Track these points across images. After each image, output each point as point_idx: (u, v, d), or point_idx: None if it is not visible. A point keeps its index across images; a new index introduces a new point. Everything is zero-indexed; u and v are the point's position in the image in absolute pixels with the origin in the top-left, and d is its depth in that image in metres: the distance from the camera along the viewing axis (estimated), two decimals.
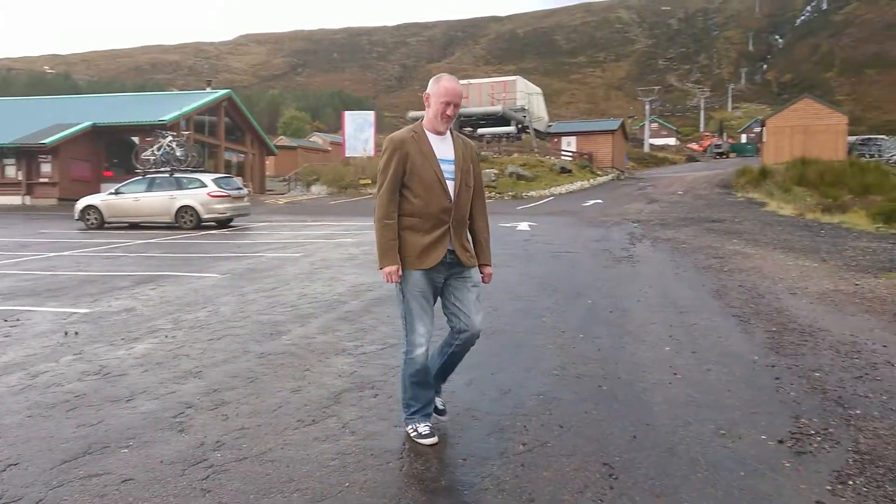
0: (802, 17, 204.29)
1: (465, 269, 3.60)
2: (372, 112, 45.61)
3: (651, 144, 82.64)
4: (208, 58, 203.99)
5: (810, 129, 41.82)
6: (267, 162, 47.14)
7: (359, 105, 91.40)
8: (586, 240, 13.88)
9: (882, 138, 53.27)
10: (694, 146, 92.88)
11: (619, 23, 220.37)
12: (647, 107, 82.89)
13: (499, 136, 45.92)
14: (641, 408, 4.09)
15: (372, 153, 40.31)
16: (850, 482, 3.09)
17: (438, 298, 3.63)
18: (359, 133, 41.48)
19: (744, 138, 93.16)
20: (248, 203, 20.21)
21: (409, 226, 3.46)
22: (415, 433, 3.58)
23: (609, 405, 4.14)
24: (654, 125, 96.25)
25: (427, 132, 3.51)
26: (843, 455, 3.38)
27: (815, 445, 3.50)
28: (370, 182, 35.82)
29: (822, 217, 19.43)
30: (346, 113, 44.05)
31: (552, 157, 41.29)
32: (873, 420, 3.84)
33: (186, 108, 32.94)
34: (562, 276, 9.08)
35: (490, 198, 30.28)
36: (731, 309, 6.94)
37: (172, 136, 22.35)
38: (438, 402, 3.85)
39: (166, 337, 5.92)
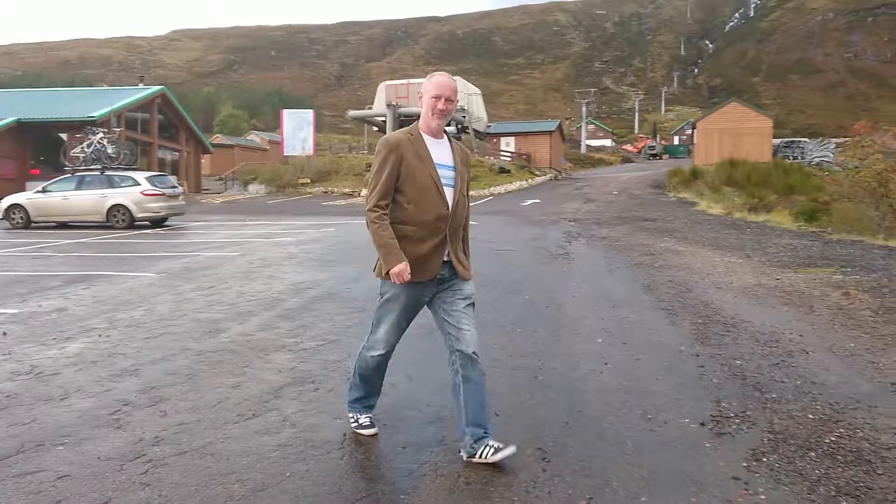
0: (731, 24, 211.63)
1: (459, 282, 3.38)
2: (311, 111, 45.19)
3: (588, 145, 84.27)
4: (140, 53, 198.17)
5: (738, 132, 43.45)
6: (203, 160, 46.19)
7: (298, 104, 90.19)
8: (525, 238, 14.14)
9: (805, 141, 55.70)
10: (629, 147, 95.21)
11: (557, 25, 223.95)
12: (584, 108, 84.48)
13: None
14: (574, 396, 4.26)
15: (311, 152, 39.99)
16: (764, 459, 3.31)
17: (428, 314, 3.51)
18: (297, 132, 41.06)
19: (676, 140, 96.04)
20: (183, 202, 19.81)
21: (401, 234, 3.24)
22: (354, 423, 3.62)
23: (544, 394, 4.30)
24: (591, 127, 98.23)
25: (423, 135, 3.32)
26: (759, 435, 3.62)
27: (734, 427, 3.73)
28: (309, 181, 35.53)
29: (749, 216, 20.24)
30: (285, 111, 43.55)
31: (491, 158, 41.76)
32: (787, 403, 4.10)
33: (118, 105, 32.00)
34: (501, 273, 9.26)
35: None
36: (660, 303, 7.23)
37: (103, 132, 21.68)
38: (493, 442, 3.24)
39: (100, 336, 5.82)
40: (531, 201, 27.29)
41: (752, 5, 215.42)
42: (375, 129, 49.94)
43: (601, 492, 2.97)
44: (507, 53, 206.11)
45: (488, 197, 31.16)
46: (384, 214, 3.24)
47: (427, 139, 3.32)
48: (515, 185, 36.57)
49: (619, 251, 11.72)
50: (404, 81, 50.82)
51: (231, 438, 3.56)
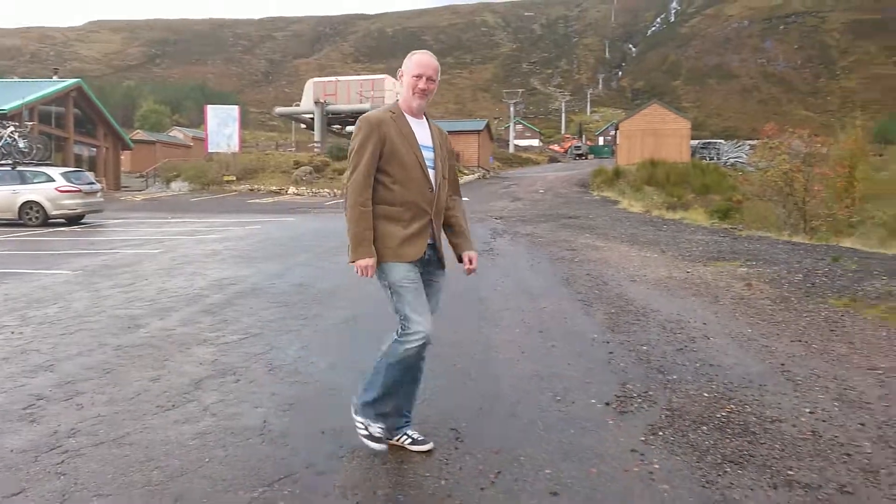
0: (653, 29, 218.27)
1: (435, 270, 3.33)
2: (236, 107, 44.33)
3: (516, 145, 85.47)
4: (54, 44, 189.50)
5: (659, 133, 44.98)
6: (122, 157, 44.68)
7: (222, 99, 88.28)
8: None
9: (721, 142, 58.13)
10: (556, 147, 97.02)
11: (485, 26, 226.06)
12: (512, 109, 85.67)
13: None
14: (490, 382, 4.44)
15: (237, 149, 39.25)
16: (661, 433, 3.56)
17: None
18: (222, 128, 40.19)
19: (601, 141, 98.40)
20: (101, 199, 19.20)
21: (386, 215, 3.11)
22: (365, 433, 3.23)
23: (461, 381, 4.47)
24: (519, 127, 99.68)
25: (405, 114, 3.21)
26: (658, 412, 3.88)
27: (636, 406, 3.99)
28: (235, 179, 34.89)
29: (667, 214, 21.05)
30: (209, 107, 42.56)
31: None
32: (686, 383, 4.39)
33: (30, 98, 30.66)
34: None
35: None
36: (578, 295, 7.53)
37: (14, 126, 20.79)
38: (412, 432, 3.37)
39: (13, 333, 5.68)
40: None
41: (673, 11, 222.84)
42: (303, 126, 49.52)
43: (509, 466, 3.15)
44: (437, 53, 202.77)
45: None
46: (367, 201, 3.07)
47: (409, 118, 3.20)
48: None
49: (542, 247, 12.06)
50: (333, 79, 50.52)
51: (150, 429, 3.59)
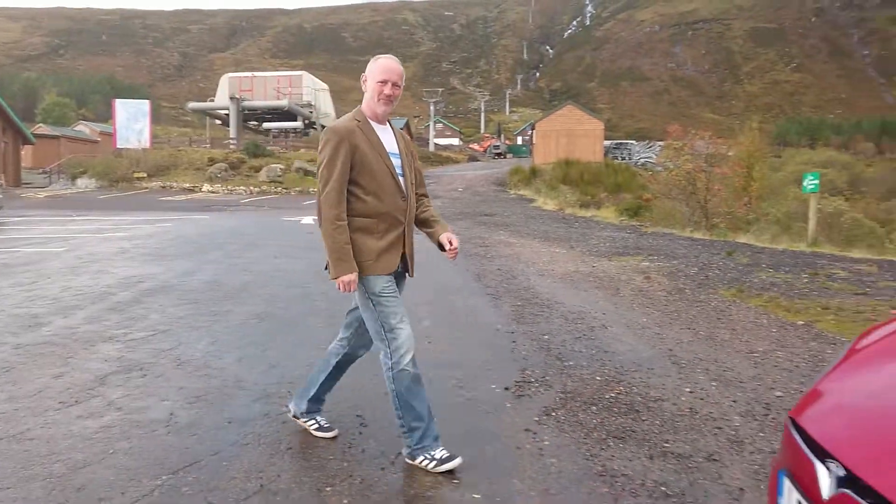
0: (569, 31, 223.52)
1: (400, 280, 3.28)
2: (147, 101, 42.84)
3: (436, 144, 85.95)
4: None
5: (573, 134, 46.23)
6: (23, 152, 42.46)
7: (132, 93, 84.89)
8: None
9: (632, 143, 60.30)
10: (475, 147, 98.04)
11: (406, 24, 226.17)
12: (432, 107, 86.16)
13: (285, 131, 45.43)
14: None
15: (147, 145, 38.00)
16: (553, 414, 3.81)
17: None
18: (132, 123, 38.81)
19: (519, 140, 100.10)
20: (0, 196, 18.29)
21: (361, 227, 3.03)
22: (433, 463, 3.04)
23: (367, 371, 4.59)
24: (439, 125, 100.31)
25: (370, 121, 3.12)
26: (553, 395, 4.13)
27: (533, 390, 4.23)
28: (146, 176, 33.79)
29: (579, 211, 21.75)
30: (118, 101, 40.99)
31: None
32: (581, 369, 4.68)
33: None
34: None
35: (276, 193, 30.01)
36: (487, 289, 7.79)
37: None
38: (322, 419, 3.49)
39: None
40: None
41: (588, 15, 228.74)
42: (218, 122, 48.37)
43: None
44: (357, 50, 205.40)
45: None
46: (343, 214, 2.98)
47: (374, 125, 3.12)
48: None
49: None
50: (249, 74, 49.60)
51: (52, 424, 3.57)
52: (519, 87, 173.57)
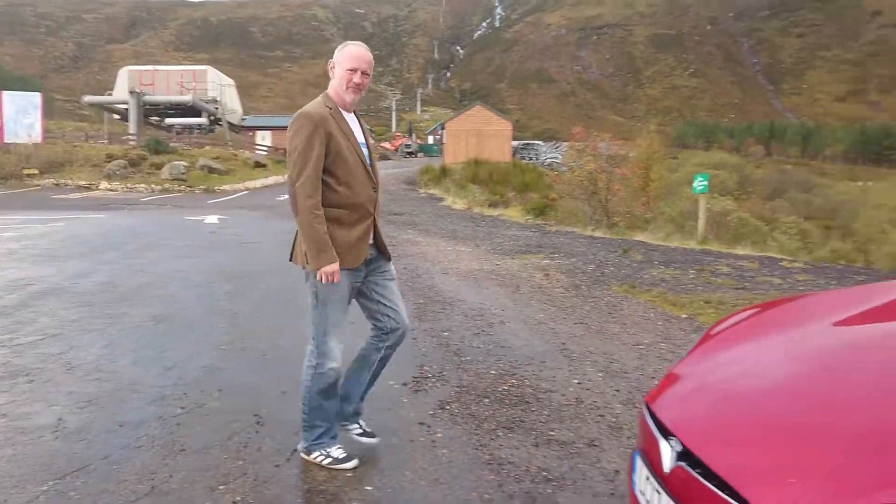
0: (479, 32, 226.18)
1: (384, 263, 3.26)
2: (38, 94, 40.53)
3: None
4: None
5: (482, 134, 46.92)
6: None
7: (22, 84, 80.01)
8: (275, 231, 14.23)
9: (539, 144, 61.77)
10: (386, 145, 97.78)
11: (315, 20, 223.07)
12: None
13: (189, 128, 44.04)
14: (296, 370, 4.57)
15: (39, 139, 35.96)
16: (448, 407, 3.96)
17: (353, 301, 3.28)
18: (22, 117, 36.60)
19: (431, 139, 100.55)
20: None
21: (334, 218, 2.96)
22: (329, 460, 3.13)
23: (269, 370, 4.63)
24: None
25: (339, 109, 3.05)
26: (449, 389, 4.28)
27: (430, 385, 4.37)
28: (37, 172, 32.01)
29: (487, 210, 22.13)
30: (5, 93, 38.51)
31: (246, 152, 40.78)
32: (477, 363, 4.85)
33: None
34: (244, 265, 9.37)
35: (179, 192, 29.09)
36: None
37: None
38: (362, 423, 3.41)
39: None
40: (287, 196, 27.20)
41: (498, 17, 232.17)
42: (117, 117, 46.34)
43: None
44: (265, 45, 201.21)
45: (243, 191, 30.46)
46: (319, 204, 2.91)
47: (343, 114, 3.05)
48: (272, 180, 36.09)
49: None
50: (150, 68, 47.72)
51: None
52: (430, 86, 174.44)
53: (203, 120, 44.47)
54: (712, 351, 2.23)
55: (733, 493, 1.49)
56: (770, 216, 25.42)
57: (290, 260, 3.18)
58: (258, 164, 37.28)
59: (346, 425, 3.34)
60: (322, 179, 2.93)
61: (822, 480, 1.40)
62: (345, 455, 3.15)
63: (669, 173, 32.30)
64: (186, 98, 42.18)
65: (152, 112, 44.39)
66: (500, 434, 3.57)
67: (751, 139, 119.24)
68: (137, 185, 30.11)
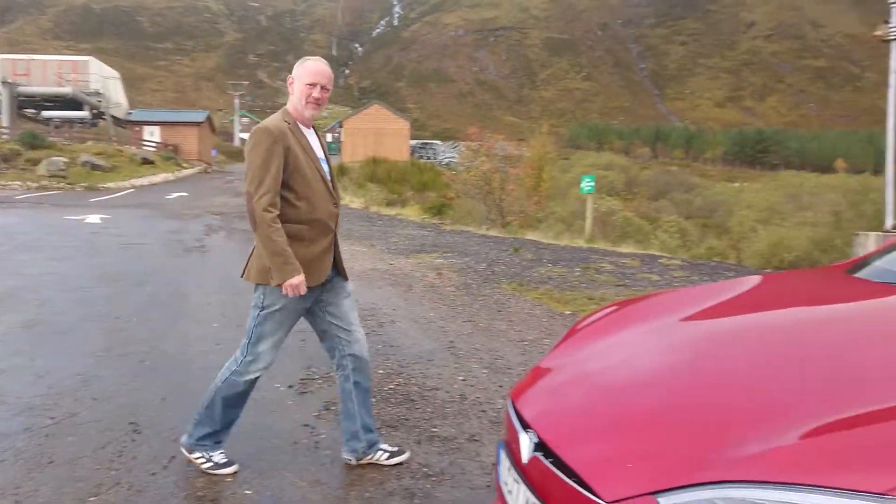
0: (378, 30, 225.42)
1: (339, 282, 3.20)
2: None
3: (242, 139, 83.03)
4: None
5: (380, 132, 46.90)
6: None
7: None
8: (161, 232, 13.72)
9: (437, 143, 62.31)
10: None
11: (208, 12, 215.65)
12: (238, 101, 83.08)
13: (70, 121, 41.61)
14: (178, 375, 4.54)
15: None
16: (333, 408, 3.98)
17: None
18: None
19: (329, 137, 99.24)
20: None
21: (293, 234, 2.91)
22: (209, 464, 3.09)
23: (148, 376, 4.50)
24: (245, 120, 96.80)
25: (298, 124, 3.03)
26: (335, 391, 4.28)
27: (316, 387, 4.39)
28: None
29: (384, 210, 22.15)
30: None
31: (133, 147, 38.98)
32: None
33: None
34: (126, 267, 8.99)
35: (59, 189, 27.49)
36: None
37: None
38: (385, 447, 3.29)
39: None
40: (177, 194, 26.23)
41: (396, 15, 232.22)
42: None
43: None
44: (153, 36, 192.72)
45: (129, 189, 29.11)
46: (277, 219, 2.85)
47: (302, 129, 3.04)
48: (160, 178, 34.69)
49: None
50: (26, 57, 44.78)
51: None
52: None
53: (84, 113, 42.14)
54: (572, 347, 2.38)
55: (581, 481, 1.61)
56: (654, 215, 26.73)
57: (242, 276, 3.09)
58: (146, 161, 35.75)
59: (372, 457, 3.23)
60: (281, 195, 2.89)
61: (655, 463, 1.53)
62: (225, 461, 3.12)
63: (562, 174, 33.36)
64: (66, 90, 39.90)
65: (28, 104, 41.69)
66: (384, 433, 3.63)
67: (638, 141, 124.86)
68: (11, 182, 28.21)
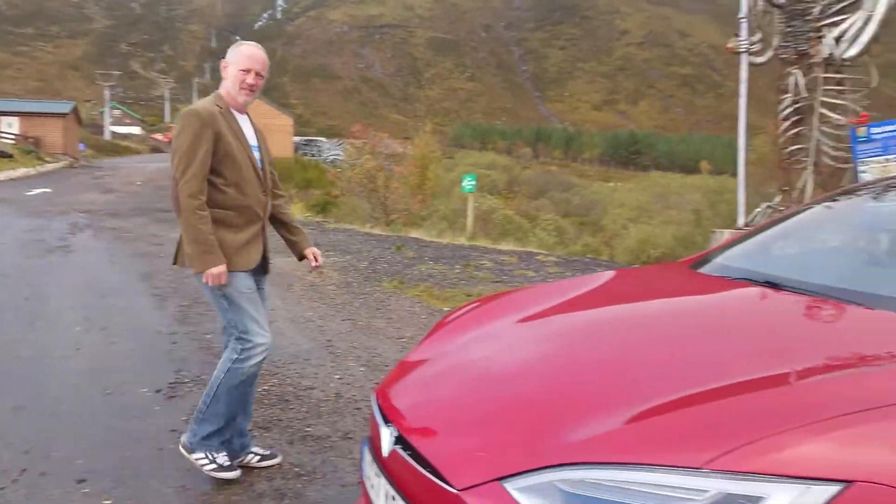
0: (260, 23, 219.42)
1: (262, 277, 3.14)
2: None
3: (113, 132, 78.54)
4: None
5: (263, 128, 44.59)
6: None
7: None
8: (19, 230, 12.79)
9: (322, 140, 61.51)
10: (159, 137, 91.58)
11: None
12: (108, 92, 78.35)
13: None
14: (34, 382, 4.28)
15: None
16: None
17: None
18: None
19: None
20: None
21: (220, 220, 2.84)
22: (213, 466, 2.95)
23: None
24: (117, 112, 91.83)
25: (231, 109, 2.95)
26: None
27: (186, 390, 4.26)
28: None
29: None
30: None
31: None
32: None
33: None
34: None
35: None
36: (154, 289, 7.48)
37: None
38: (256, 450, 3.22)
39: None
40: (39, 190, 24.47)
41: (279, 8, 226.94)
42: None
43: (38, 463, 3.16)
44: (14, 20, 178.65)
45: None
46: (204, 205, 2.77)
47: (235, 115, 2.96)
48: (20, 172, 32.23)
49: (127, 242, 11.53)
50: None
51: None
52: (208, 76, 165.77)
53: None
54: (437, 342, 2.45)
55: (435, 471, 1.67)
56: (534, 214, 27.60)
57: (174, 263, 3.03)
58: (3, 154, 33.12)
59: (242, 460, 3.15)
60: (210, 180, 2.83)
61: (500, 451, 1.62)
62: (229, 464, 2.99)
63: (446, 172, 33.79)
64: None
65: None
66: (256, 434, 3.58)
67: (521, 142, 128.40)
68: None
